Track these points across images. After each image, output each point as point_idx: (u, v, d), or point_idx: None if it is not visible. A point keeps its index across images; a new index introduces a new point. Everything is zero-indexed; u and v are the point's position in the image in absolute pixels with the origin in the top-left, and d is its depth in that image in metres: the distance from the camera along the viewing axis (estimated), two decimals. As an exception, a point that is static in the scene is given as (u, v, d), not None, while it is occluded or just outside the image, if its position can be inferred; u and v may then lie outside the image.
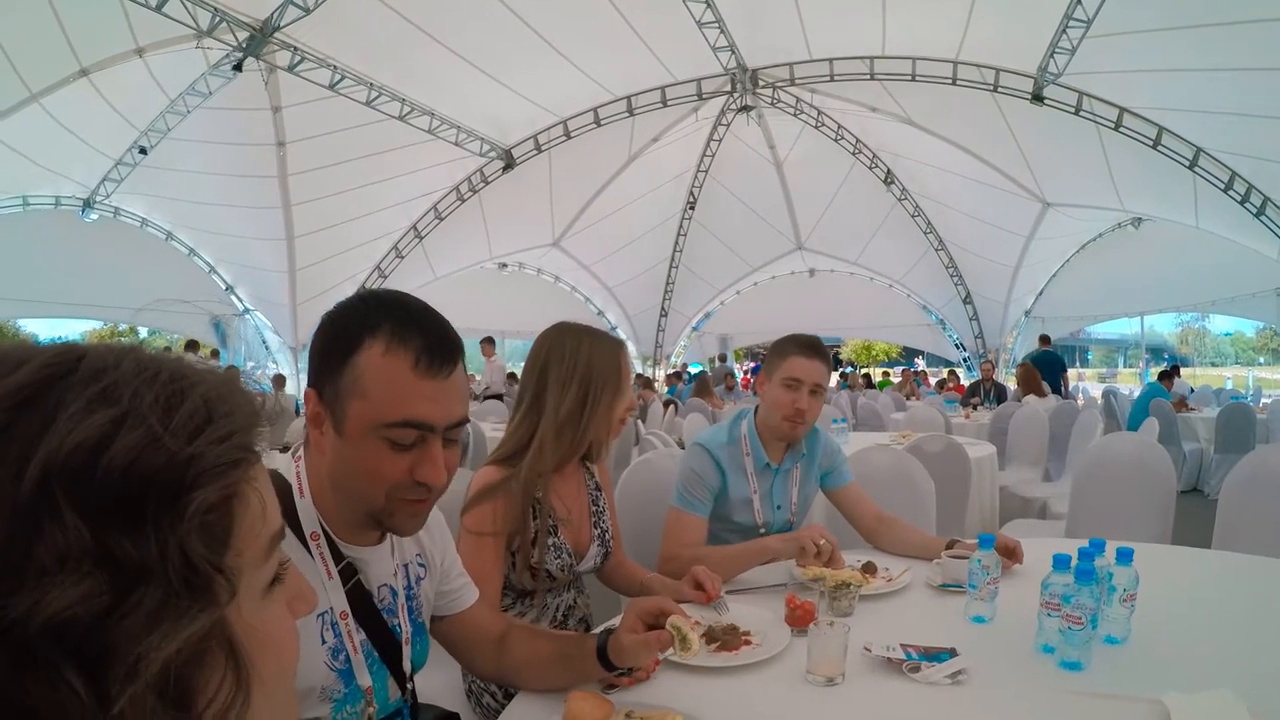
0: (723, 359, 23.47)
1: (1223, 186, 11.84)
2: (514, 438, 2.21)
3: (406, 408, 1.25)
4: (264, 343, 18.97)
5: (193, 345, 13.62)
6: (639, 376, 17.39)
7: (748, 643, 1.84)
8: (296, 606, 0.66)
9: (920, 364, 24.21)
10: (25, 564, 0.47)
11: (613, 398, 2.21)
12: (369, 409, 1.25)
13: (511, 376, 12.98)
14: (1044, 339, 14.05)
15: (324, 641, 1.34)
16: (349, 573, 1.40)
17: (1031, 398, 8.68)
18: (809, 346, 2.72)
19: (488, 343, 12.97)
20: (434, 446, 1.27)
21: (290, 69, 12.15)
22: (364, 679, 1.39)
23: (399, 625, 1.47)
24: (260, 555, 0.59)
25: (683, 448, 3.47)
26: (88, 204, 15.14)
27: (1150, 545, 2.73)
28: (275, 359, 18.85)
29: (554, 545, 2.18)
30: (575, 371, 2.19)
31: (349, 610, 1.37)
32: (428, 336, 1.28)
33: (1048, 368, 11.13)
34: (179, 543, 0.51)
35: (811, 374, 2.66)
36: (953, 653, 1.72)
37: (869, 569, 2.37)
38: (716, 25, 12.42)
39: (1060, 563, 1.78)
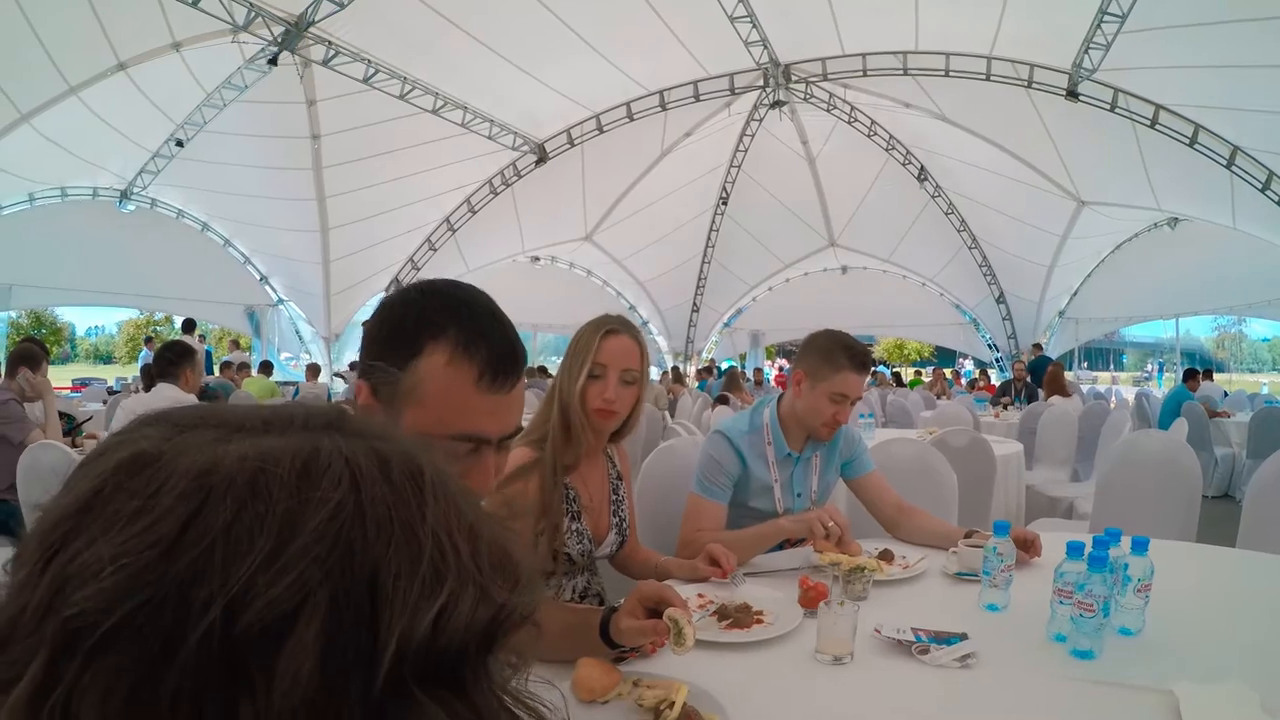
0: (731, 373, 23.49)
1: (1260, 186, 11.63)
2: (539, 421, 2.23)
3: (465, 422, 1.19)
4: (297, 333, 19.17)
5: (189, 325, 13.62)
6: (671, 370, 17.41)
7: (760, 621, 1.87)
8: None
9: (967, 364, 23.79)
10: None
11: (578, 370, 2.17)
12: (425, 418, 1.18)
13: (541, 370, 12.71)
14: (1036, 346, 16.34)
15: None
16: None
17: (1057, 398, 8.61)
18: (863, 363, 2.67)
19: None
20: (487, 457, 1.21)
21: (325, 63, 12.29)
22: None
23: None
24: None
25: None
26: (125, 195, 15.38)
27: (1170, 542, 2.71)
28: (309, 349, 19.05)
29: (576, 530, 2.20)
30: (566, 353, 2.23)
31: None
32: (494, 348, 1.20)
33: (1040, 372, 11.34)
34: (494, 688, 0.50)
35: (859, 389, 2.65)
36: (963, 637, 1.73)
37: (886, 556, 2.38)
38: (749, 20, 12.40)
39: (1074, 550, 1.78)
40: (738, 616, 1.84)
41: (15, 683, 0.42)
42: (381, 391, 1.21)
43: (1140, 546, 1.86)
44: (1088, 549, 1.77)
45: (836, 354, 2.64)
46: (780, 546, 2.57)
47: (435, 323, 1.19)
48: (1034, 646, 1.78)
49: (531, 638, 0.53)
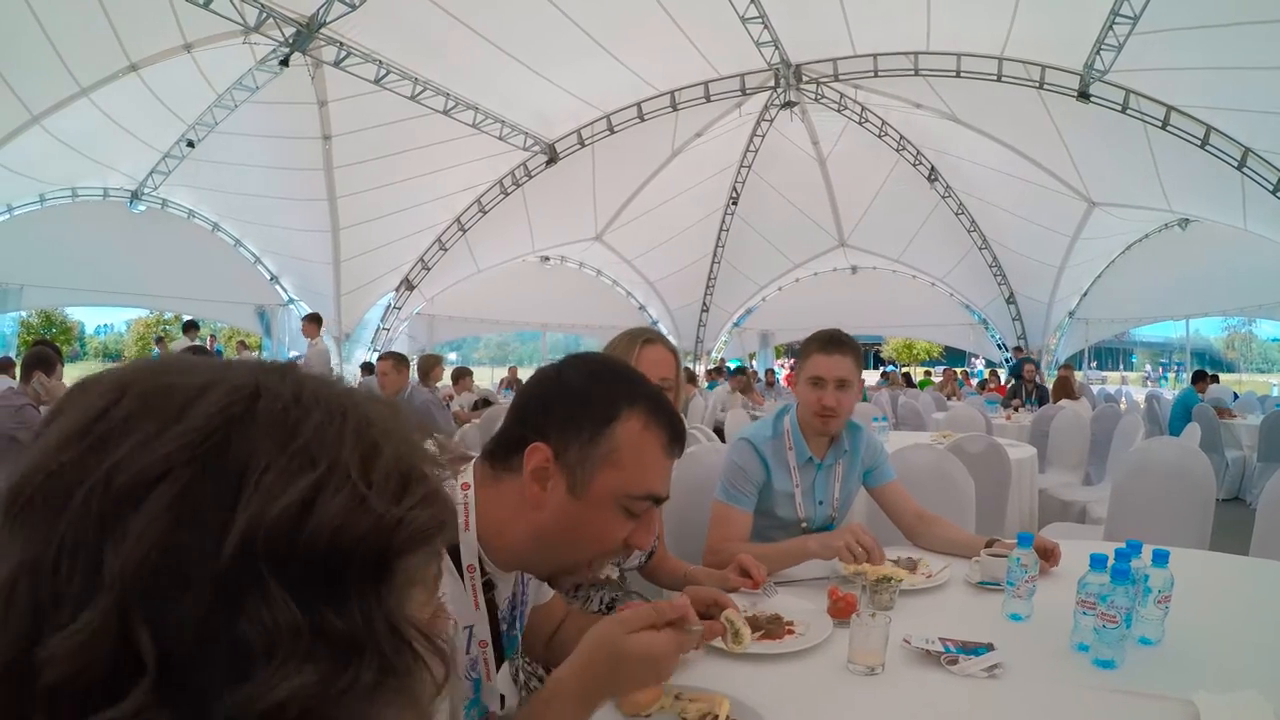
0: (741, 371, 23.47)
1: (1272, 188, 11.60)
2: None
3: (654, 483, 1.33)
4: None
5: (191, 326, 13.66)
6: (684, 370, 17.38)
7: (791, 632, 1.90)
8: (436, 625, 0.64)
9: (979, 364, 23.64)
10: (232, 645, 0.46)
11: None
12: (622, 480, 1.30)
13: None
14: (1017, 349, 17.12)
15: (468, 652, 1.39)
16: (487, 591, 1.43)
17: (1066, 402, 8.62)
18: (827, 342, 2.74)
19: (311, 321, 9.88)
20: (654, 515, 1.35)
21: (336, 64, 12.34)
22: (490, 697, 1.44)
23: (514, 635, 1.52)
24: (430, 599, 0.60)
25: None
26: (136, 195, 15.46)
27: (1187, 550, 2.74)
28: (318, 349, 19.08)
29: None
30: None
31: (489, 640, 1.41)
32: (674, 421, 1.36)
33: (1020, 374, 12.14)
34: (386, 614, 0.51)
35: (832, 369, 2.68)
36: (990, 647, 1.77)
37: (909, 565, 2.41)
38: (760, 20, 12.41)
39: (1097, 562, 1.82)
40: (770, 628, 1.87)
41: None
42: (570, 454, 1.30)
43: (1161, 559, 1.90)
44: (1110, 561, 1.81)
45: (807, 343, 2.79)
46: None
47: (629, 394, 1.34)
48: (1057, 656, 1.81)
49: (429, 563, 0.56)
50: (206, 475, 0.48)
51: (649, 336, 2.25)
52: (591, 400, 1.33)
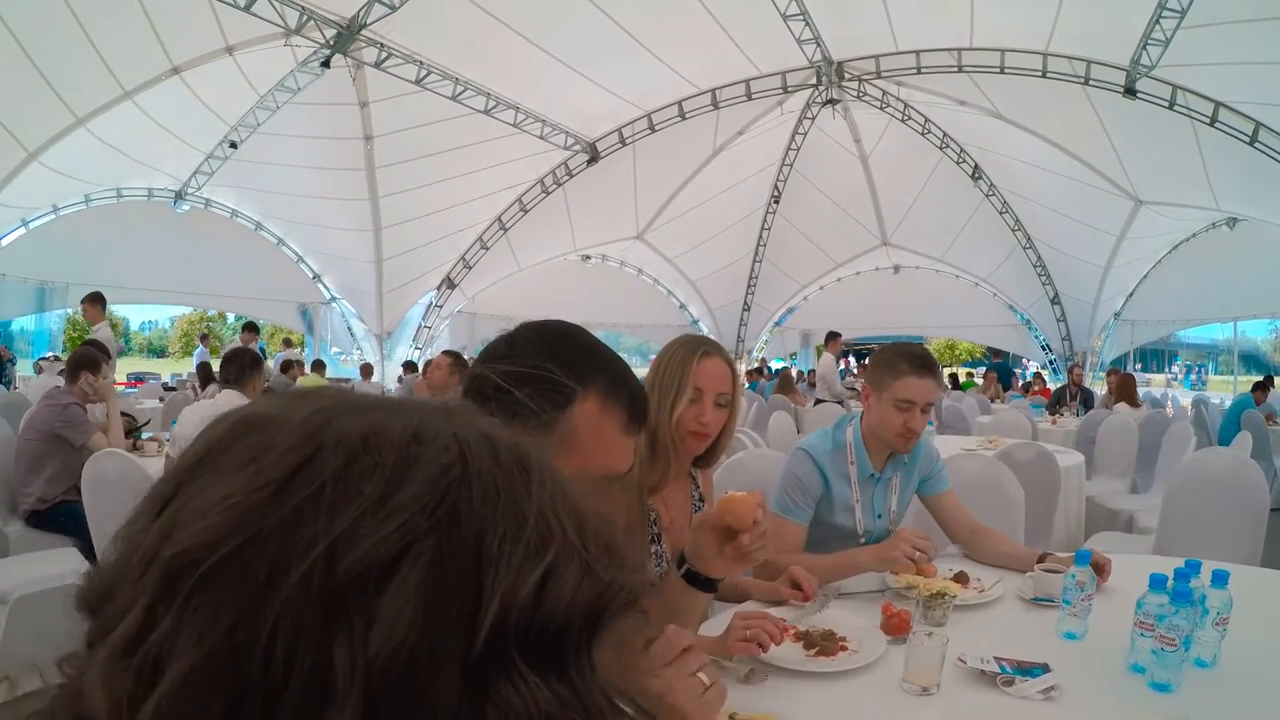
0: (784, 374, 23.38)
1: (1322, 187, 11.39)
2: None
3: (609, 464, 1.30)
4: (349, 330, 19.46)
5: (251, 328, 13.82)
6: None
7: (844, 648, 1.89)
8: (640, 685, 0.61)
9: (1032, 365, 23.22)
10: None
11: (671, 399, 2.13)
12: (574, 463, 1.25)
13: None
14: (995, 353, 18.22)
15: None
16: None
17: (1123, 405, 8.46)
18: (923, 365, 2.63)
19: (93, 302, 8.74)
20: (612, 492, 1.34)
21: (377, 65, 12.47)
22: None
23: None
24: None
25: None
26: (179, 195, 15.73)
27: (1242, 567, 2.67)
28: (360, 346, 19.35)
29: (655, 553, 2.17)
30: (654, 376, 2.20)
31: None
32: (634, 396, 1.32)
33: (1005, 374, 12.85)
34: (600, 679, 0.48)
35: (925, 394, 2.60)
36: (1045, 668, 1.75)
37: (960, 578, 2.38)
38: (802, 17, 12.36)
39: (1156, 583, 1.79)
40: (823, 644, 1.87)
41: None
42: None
43: (1220, 580, 1.86)
44: (1169, 581, 1.78)
45: (896, 361, 2.64)
46: None
47: (582, 375, 1.28)
48: (1113, 678, 1.79)
49: (639, 627, 0.52)
50: (448, 551, 0.43)
51: (707, 349, 2.21)
52: (545, 382, 1.27)
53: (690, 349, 2.19)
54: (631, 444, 1.33)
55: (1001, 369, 15.16)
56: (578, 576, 0.47)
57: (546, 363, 1.29)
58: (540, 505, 0.48)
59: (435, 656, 0.42)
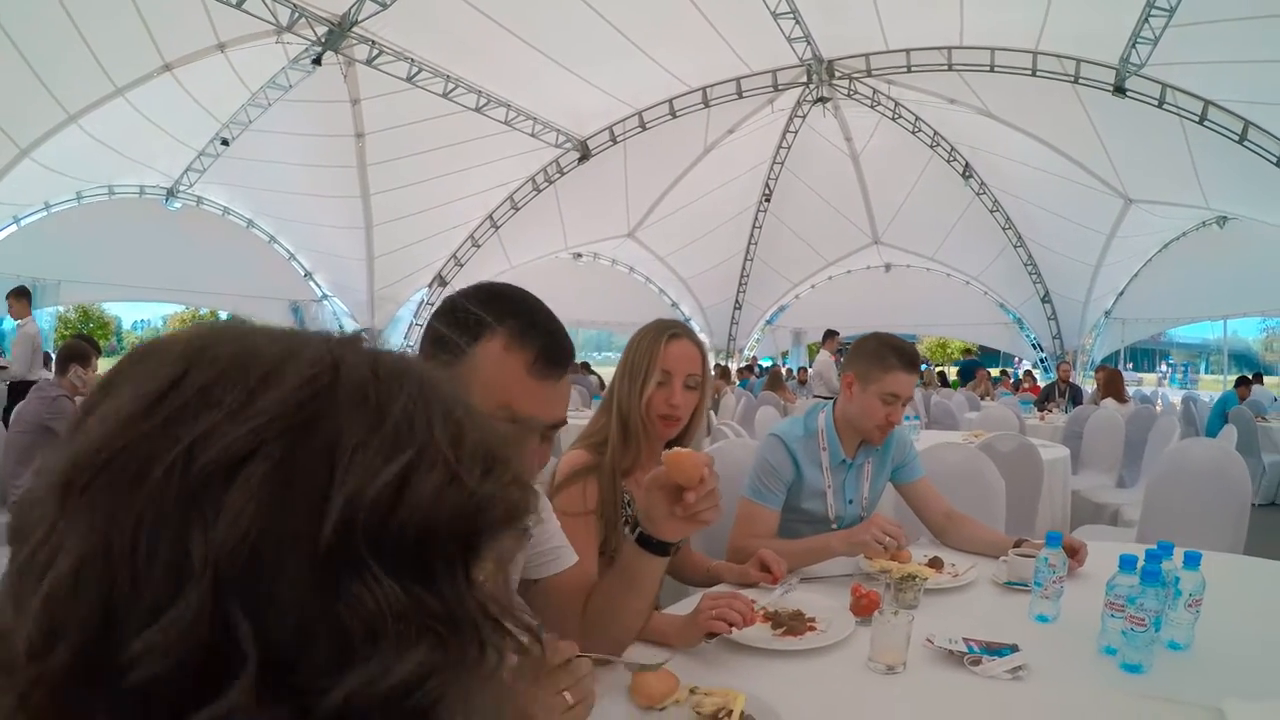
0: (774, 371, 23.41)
1: (1313, 185, 11.41)
2: (597, 425, 2.23)
3: (511, 401, 1.27)
4: (341, 328, 19.28)
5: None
6: (717, 367, 17.37)
7: (812, 628, 1.89)
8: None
9: (1024, 364, 23.23)
10: (331, 631, 0.44)
11: (641, 382, 2.15)
12: (478, 395, 1.21)
13: (584, 366, 11.96)
14: (966, 351, 16.66)
15: None
16: None
17: (1110, 401, 8.47)
18: (912, 361, 2.67)
19: (19, 297, 8.50)
20: (531, 442, 1.30)
21: (368, 62, 12.40)
22: None
23: None
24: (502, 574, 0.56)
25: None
26: (171, 193, 15.61)
27: (1220, 554, 2.67)
28: (352, 344, 19.26)
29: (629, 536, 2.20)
30: (624, 361, 2.22)
31: None
32: (546, 340, 1.31)
33: (966, 374, 11.91)
34: (475, 592, 0.49)
35: (910, 388, 2.65)
36: (1014, 648, 1.75)
37: (935, 563, 2.39)
38: (792, 16, 12.33)
39: (1126, 563, 1.79)
40: (791, 624, 1.87)
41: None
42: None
43: (1192, 561, 1.86)
44: (1140, 562, 1.78)
45: (886, 354, 2.65)
46: None
47: (494, 314, 1.30)
48: (1084, 659, 1.79)
49: (520, 546, 0.54)
50: (298, 452, 0.45)
51: (675, 330, 2.22)
52: (458, 322, 1.31)
53: (658, 331, 2.20)
54: (548, 391, 1.31)
55: (965, 366, 15.18)
56: (439, 482, 0.48)
57: (470, 303, 1.34)
58: (407, 411, 0.49)
59: (281, 549, 0.44)
